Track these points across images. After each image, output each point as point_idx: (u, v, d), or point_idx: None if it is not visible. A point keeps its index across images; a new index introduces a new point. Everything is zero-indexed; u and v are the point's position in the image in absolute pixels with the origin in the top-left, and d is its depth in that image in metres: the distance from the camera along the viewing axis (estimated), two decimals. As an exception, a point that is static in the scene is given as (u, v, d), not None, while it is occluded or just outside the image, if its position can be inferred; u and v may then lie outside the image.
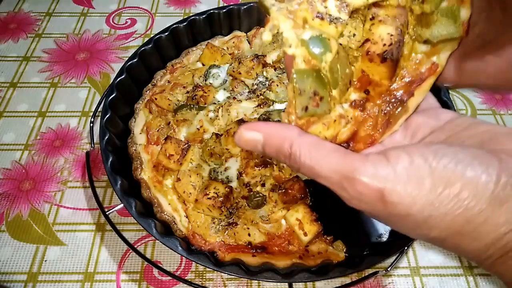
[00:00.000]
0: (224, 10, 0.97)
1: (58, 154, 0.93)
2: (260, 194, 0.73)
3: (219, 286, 0.75)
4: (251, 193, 0.74)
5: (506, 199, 0.31)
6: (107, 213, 0.73)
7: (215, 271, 0.74)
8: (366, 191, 0.34)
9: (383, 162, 0.34)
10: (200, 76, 0.90)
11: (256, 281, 0.75)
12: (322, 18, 0.41)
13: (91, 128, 0.86)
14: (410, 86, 0.43)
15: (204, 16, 0.96)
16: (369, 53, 0.42)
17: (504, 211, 0.31)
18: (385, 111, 0.42)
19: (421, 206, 0.32)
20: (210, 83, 0.89)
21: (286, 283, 0.66)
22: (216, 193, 0.71)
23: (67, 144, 0.95)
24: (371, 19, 0.43)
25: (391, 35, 0.41)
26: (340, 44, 0.43)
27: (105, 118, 0.78)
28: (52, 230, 0.82)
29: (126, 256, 0.79)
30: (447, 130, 0.39)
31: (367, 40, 0.42)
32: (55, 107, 1.02)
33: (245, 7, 0.98)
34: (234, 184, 0.76)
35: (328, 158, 0.36)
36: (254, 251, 0.70)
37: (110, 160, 0.73)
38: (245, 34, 0.99)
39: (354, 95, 0.43)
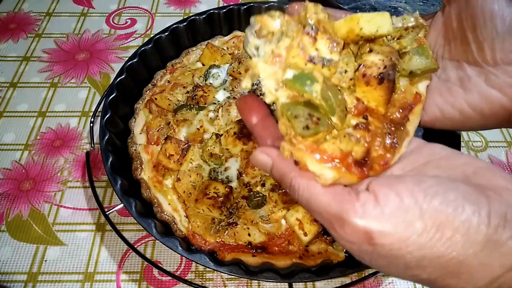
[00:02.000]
0: (224, 10, 0.97)
1: (58, 154, 0.93)
2: (260, 194, 0.73)
3: (219, 286, 0.75)
4: (251, 193, 0.74)
5: (500, 243, 0.31)
6: (107, 213, 0.73)
7: (215, 271, 0.74)
8: (354, 232, 0.34)
9: (372, 202, 0.34)
10: (200, 76, 0.90)
11: (256, 281, 0.75)
12: (314, 63, 0.41)
13: (91, 128, 0.86)
14: (403, 112, 0.44)
15: (204, 16, 0.96)
16: (366, 75, 0.42)
17: (499, 255, 0.31)
18: (388, 132, 0.42)
19: (412, 248, 0.32)
20: (210, 83, 0.89)
21: (286, 283, 0.66)
22: (216, 193, 0.71)
23: (67, 144, 0.95)
24: (369, 52, 0.44)
25: (383, 60, 0.43)
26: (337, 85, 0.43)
27: (105, 118, 0.78)
28: (52, 230, 0.82)
29: (126, 256, 0.79)
30: (426, 155, 0.40)
31: (361, 65, 0.43)
32: (55, 107, 1.02)
33: (245, 7, 0.98)
34: (234, 184, 0.76)
35: (322, 196, 0.37)
36: (254, 251, 0.70)
37: (110, 160, 0.73)
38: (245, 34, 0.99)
39: (354, 121, 0.43)
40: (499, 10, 0.41)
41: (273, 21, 0.45)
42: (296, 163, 0.39)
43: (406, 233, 0.32)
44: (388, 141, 0.42)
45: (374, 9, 1.14)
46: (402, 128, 0.43)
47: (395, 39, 0.47)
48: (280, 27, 0.44)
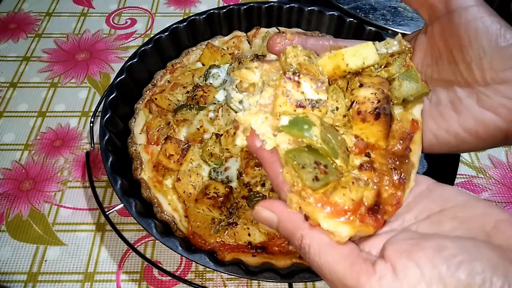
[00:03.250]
0: (224, 10, 0.97)
1: (58, 154, 0.93)
2: (260, 194, 0.73)
3: (219, 286, 0.75)
4: (251, 193, 0.74)
5: None
6: (107, 213, 0.73)
7: (215, 271, 0.74)
8: None
9: (390, 275, 0.31)
10: (200, 76, 0.90)
11: (256, 281, 0.75)
12: (303, 106, 0.40)
13: (91, 128, 0.86)
14: (404, 143, 0.43)
15: (204, 16, 0.96)
16: (361, 112, 0.41)
17: None
18: (393, 167, 0.41)
19: None
20: (210, 83, 0.89)
21: (286, 283, 0.66)
22: (216, 193, 0.71)
23: (67, 144, 0.95)
24: (360, 86, 0.43)
25: (375, 93, 0.41)
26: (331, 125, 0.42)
27: (105, 118, 0.78)
28: (52, 230, 0.82)
29: (126, 256, 0.79)
30: (440, 200, 0.38)
31: (353, 103, 0.42)
32: (55, 107, 1.02)
33: (245, 7, 0.98)
34: (234, 184, 0.76)
35: (336, 265, 0.34)
36: (254, 251, 0.70)
37: (110, 160, 0.73)
38: (245, 34, 0.99)
39: (357, 161, 0.41)
40: (483, 27, 0.39)
41: (252, 74, 0.44)
42: (306, 217, 0.37)
43: None
44: (396, 177, 0.40)
45: (374, 9, 1.14)
46: (407, 161, 0.42)
47: (383, 67, 0.46)
48: (260, 77, 0.43)
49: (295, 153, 0.39)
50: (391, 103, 0.44)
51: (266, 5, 0.98)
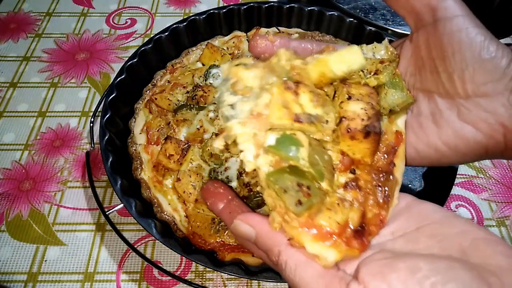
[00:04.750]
0: (224, 10, 0.97)
1: (58, 154, 0.93)
2: (260, 194, 0.73)
3: (219, 286, 0.75)
4: (251, 193, 0.74)
5: None
6: (107, 213, 0.73)
7: (215, 271, 0.74)
8: None
9: None
10: (200, 76, 0.90)
11: (256, 281, 0.75)
12: (301, 121, 0.38)
13: (91, 128, 0.86)
14: (388, 157, 0.42)
15: (204, 16, 0.96)
16: (350, 130, 0.39)
17: None
18: (378, 184, 0.40)
19: None
20: (210, 83, 0.89)
21: (286, 283, 0.66)
22: (216, 193, 0.71)
23: (67, 144, 0.95)
24: (348, 99, 0.41)
25: (365, 109, 0.40)
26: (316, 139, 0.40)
27: (105, 118, 0.78)
28: (52, 230, 0.82)
29: (126, 256, 0.79)
30: (417, 218, 0.38)
31: (342, 119, 0.40)
32: (55, 107, 1.02)
33: (245, 7, 0.98)
34: (234, 184, 0.76)
35: (312, 284, 0.34)
36: (254, 251, 0.70)
37: (110, 160, 0.73)
38: (245, 34, 0.99)
39: (342, 179, 0.40)
40: (467, 39, 0.38)
41: (250, 73, 0.41)
42: (289, 238, 0.36)
43: None
44: (380, 195, 0.39)
45: (374, 9, 1.14)
46: (391, 177, 0.41)
47: (372, 74, 0.44)
48: (259, 80, 0.41)
49: (276, 176, 0.37)
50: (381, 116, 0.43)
51: (266, 5, 0.98)
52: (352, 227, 0.37)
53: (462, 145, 0.41)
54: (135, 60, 0.88)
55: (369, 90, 0.42)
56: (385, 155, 0.42)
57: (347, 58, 0.42)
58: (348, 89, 0.42)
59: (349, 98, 0.41)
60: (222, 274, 0.75)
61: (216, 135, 0.78)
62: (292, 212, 0.36)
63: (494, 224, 0.85)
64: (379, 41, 0.47)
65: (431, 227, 0.36)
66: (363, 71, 0.44)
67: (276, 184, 0.36)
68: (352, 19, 0.94)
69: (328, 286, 0.33)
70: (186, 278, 0.75)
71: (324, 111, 0.40)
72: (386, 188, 0.40)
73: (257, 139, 0.38)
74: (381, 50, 0.45)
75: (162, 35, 0.93)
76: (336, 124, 0.41)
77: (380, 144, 0.42)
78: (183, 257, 0.75)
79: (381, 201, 0.39)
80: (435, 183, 0.81)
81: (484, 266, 0.31)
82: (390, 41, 0.48)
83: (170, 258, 0.78)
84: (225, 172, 0.77)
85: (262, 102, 0.39)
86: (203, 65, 0.93)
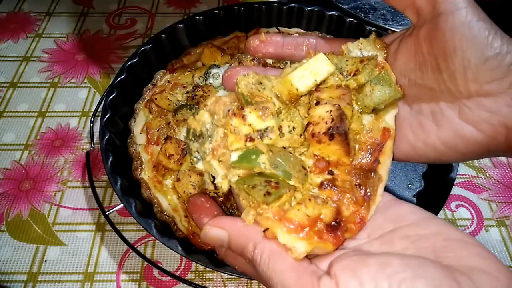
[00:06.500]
0: (224, 10, 0.97)
1: (58, 154, 0.93)
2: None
3: (219, 286, 0.75)
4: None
5: None
6: (107, 213, 0.73)
7: (215, 271, 0.74)
8: None
9: None
10: (200, 76, 0.90)
11: (256, 281, 0.75)
12: (253, 139, 0.39)
13: (91, 128, 0.86)
14: (372, 155, 0.41)
15: (204, 16, 0.96)
16: (315, 134, 0.40)
17: None
18: (357, 183, 0.40)
19: None
20: (210, 83, 0.89)
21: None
22: (216, 193, 0.71)
23: (67, 144, 0.95)
24: (316, 104, 0.41)
25: (330, 111, 0.40)
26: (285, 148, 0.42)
27: (105, 118, 0.78)
28: (52, 230, 0.82)
29: (126, 256, 0.79)
30: (394, 219, 0.37)
31: (308, 124, 0.40)
32: (55, 107, 1.02)
33: (245, 7, 0.98)
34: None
35: (284, 275, 0.34)
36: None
37: (110, 160, 0.73)
38: (245, 34, 0.99)
39: (318, 179, 0.40)
40: (470, 35, 0.36)
41: (199, 118, 0.43)
42: (264, 230, 0.37)
43: None
44: (360, 194, 0.39)
45: (374, 9, 1.14)
46: (373, 175, 0.40)
47: (352, 75, 0.43)
48: (210, 120, 0.43)
49: (245, 178, 0.39)
50: (358, 112, 0.43)
51: (266, 5, 0.98)
52: (324, 222, 0.37)
53: (462, 145, 0.40)
54: (135, 60, 0.88)
55: (342, 92, 0.42)
56: (369, 153, 0.41)
57: (312, 70, 0.42)
58: (318, 94, 0.42)
59: (317, 103, 0.41)
60: (222, 274, 0.75)
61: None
62: (262, 203, 0.37)
63: (494, 224, 0.85)
64: None
65: (406, 229, 0.36)
66: (342, 74, 0.44)
67: (245, 184, 0.38)
68: (352, 19, 0.94)
69: (299, 278, 0.33)
70: (186, 278, 0.75)
71: (286, 118, 0.41)
72: (367, 185, 0.39)
73: (224, 162, 0.41)
74: (368, 45, 0.45)
75: (162, 35, 0.93)
76: (303, 130, 0.41)
77: (364, 143, 0.42)
78: (183, 257, 0.75)
79: (360, 199, 0.39)
80: (435, 183, 0.81)
81: (456, 267, 0.31)
82: (380, 35, 0.47)
83: (170, 258, 0.78)
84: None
85: (217, 137, 0.42)
86: (203, 65, 0.93)
